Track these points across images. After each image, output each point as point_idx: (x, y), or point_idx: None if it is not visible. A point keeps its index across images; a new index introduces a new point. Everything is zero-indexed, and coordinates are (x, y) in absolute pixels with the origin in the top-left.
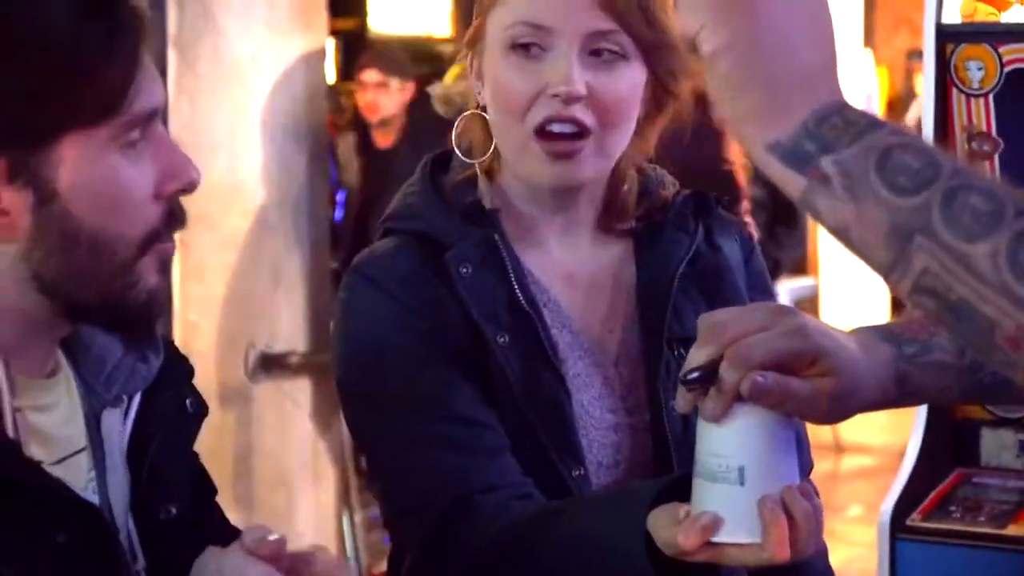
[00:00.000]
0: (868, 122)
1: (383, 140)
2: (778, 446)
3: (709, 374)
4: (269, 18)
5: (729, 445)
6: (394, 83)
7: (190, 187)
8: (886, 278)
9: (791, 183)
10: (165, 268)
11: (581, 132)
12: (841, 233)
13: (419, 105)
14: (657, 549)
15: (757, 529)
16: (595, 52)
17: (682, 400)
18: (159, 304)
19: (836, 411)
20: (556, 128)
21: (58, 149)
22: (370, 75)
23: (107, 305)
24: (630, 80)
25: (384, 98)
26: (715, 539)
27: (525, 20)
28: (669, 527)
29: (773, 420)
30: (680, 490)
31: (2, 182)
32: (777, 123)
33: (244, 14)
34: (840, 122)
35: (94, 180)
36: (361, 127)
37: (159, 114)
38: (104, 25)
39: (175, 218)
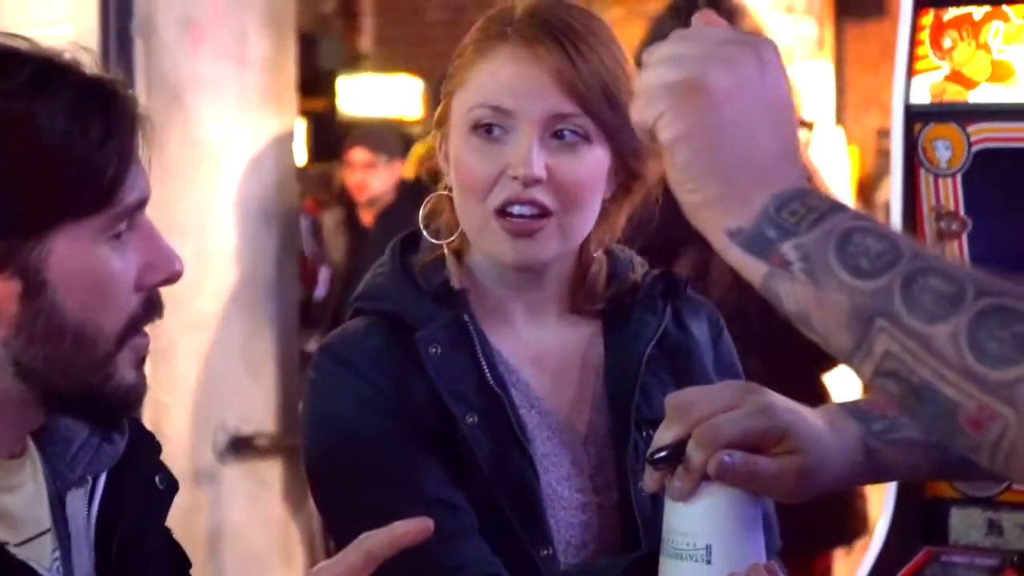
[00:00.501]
0: (829, 206)
1: (370, 218)
2: (745, 524)
3: (676, 453)
4: (239, 99)
5: (696, 524)
6: (381, 161)
7: (174, 278)
8: (848, 362)
9: (752, 269)
10: (141, 363)
11: (542, 214)
12: (803, 318)
13: (407, 184)
14: None
15: None
16: (556, 134)
17: (650, 480)
18: (136, 398)
19: (803, 488)
20: (516, 210)
21: (49, 240)
22: (358, 154)
23: (84, 396)
24: (592, 162)
25: (372, 177)
26: None
27: (486, 103)
28: None
29: (740, 499)
30: (648, 567)
31: None
32: (737, 210)
33: (214, 95)
34: (800, 207)
35: (83, 272)
36: (347, 204)
37: (145, 205)
38: (100, 120)
39: (153, 308)
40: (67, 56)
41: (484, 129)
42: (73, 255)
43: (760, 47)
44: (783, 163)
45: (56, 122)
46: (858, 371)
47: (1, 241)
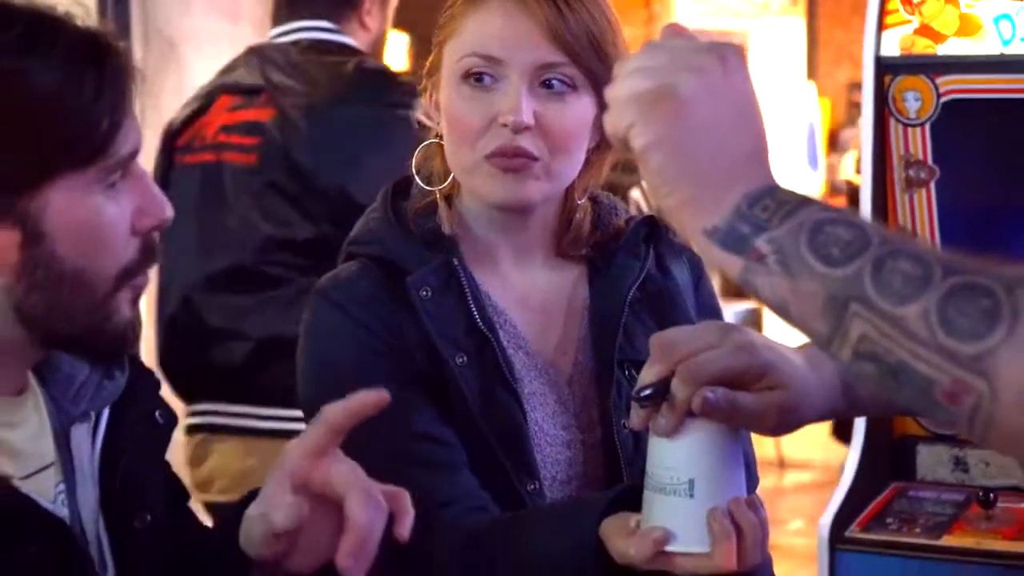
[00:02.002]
0: (799, 200)
1: None
2: (727, 460)
3: (661, 391)
4: (232, 53)
5: (680, 459)
6: None
7: (164, 223)
8: (826, 349)
9: (730, 265)
10: (136, 300)
11: (529, 160)
12: (780, 309)
13: None
14: (609, 557)
15: (706, 539)
16: (545, 83)
17: (635, 417)
18: (133, 334)
19: (784, 423)
20: (512, 153)
21: (46, 192)
22: None
23: (84, 337)
24: (578, 111)
25: None
26: (666, 548)
27: (477, 52)
28: (622, 537)
29: (723, 435)
30: (631, 500)
31: None
32: (712, 210)
33: (207, 49)
34: (772, 203)
35: (79, 221)
36: None
37: (138, 154)
38: (93, 74)
39: (149, 253)
40: (60, 10)
41: (475, 78)
42: (70, 205)
43: (725, 53)
44: (752, 163)
45: (50, 77)
46: (836, 356)
47: (1, 194)
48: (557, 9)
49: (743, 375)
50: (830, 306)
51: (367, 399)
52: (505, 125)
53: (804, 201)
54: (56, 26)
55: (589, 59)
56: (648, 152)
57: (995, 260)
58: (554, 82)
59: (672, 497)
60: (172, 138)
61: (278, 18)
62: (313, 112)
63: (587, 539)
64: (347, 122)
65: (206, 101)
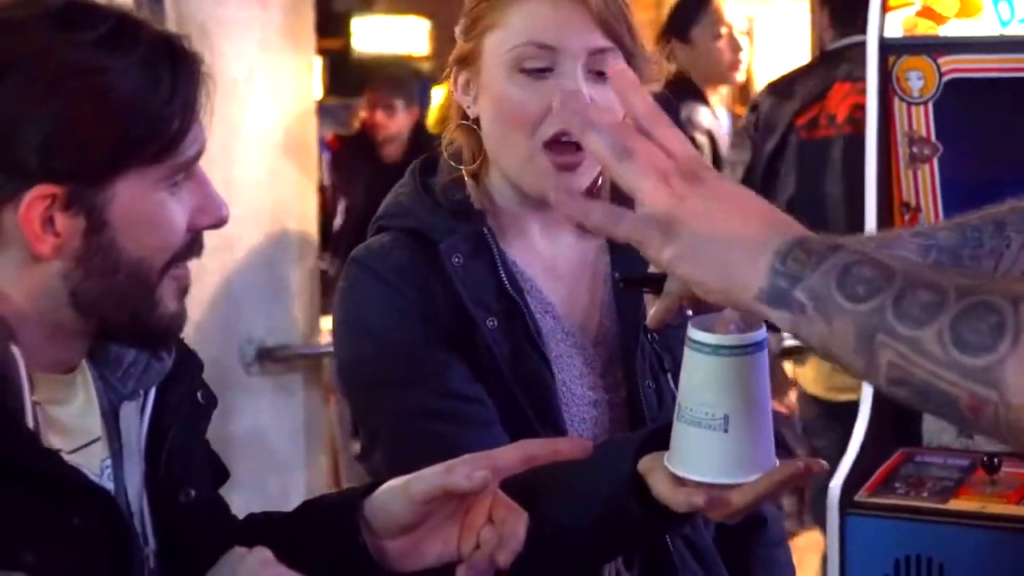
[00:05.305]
0: (828, 246)
1: (388, 155)
2: (760, 397)
3: (654, 276)
4: (262, 39)
5: (715, 394)
6: (400, 105)
7: (221, 222)
8: (866, 380)
9: (783, 322)
10: (183, 294)
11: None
12: (826, 353)
13: (422, 125)
14: (646, 491)
15: (739, 472)
16: (592, 70)
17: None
18: (178, 327)
19: None
20: (565, 139)
21: (115, 184)
22: (379, 97)
23: (132, 325)
24: None
25: (391, 119)
26: (699, 480)
27: (530, 41)
28: (667, 484)
29: (757, 372)
30: (658, 442)
31: (59, 208)
32: (753, 278)
33: (238, 36)
34: (802, 254)
35: (142, 214)
36: (366, 142)
37: (202, 156)
38: (168, 76)
39: (195, 246)
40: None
41: (530, 67)
42: (134, 199)
43: (700, 169)
44: (768, 228)
45: (129, 77)
46: (875, 386)
47: (72, 184)
48: None
49: None
50: (861, 339)
51: (574, 444)
52: None
53: (833, 247)
54: (138, 28)
55: (627, 40)
56: (675, 263)
57: (1013, 278)
58: (603, 68)
59: (707, 431)
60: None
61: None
62: None
63: (623, 473)
64: None
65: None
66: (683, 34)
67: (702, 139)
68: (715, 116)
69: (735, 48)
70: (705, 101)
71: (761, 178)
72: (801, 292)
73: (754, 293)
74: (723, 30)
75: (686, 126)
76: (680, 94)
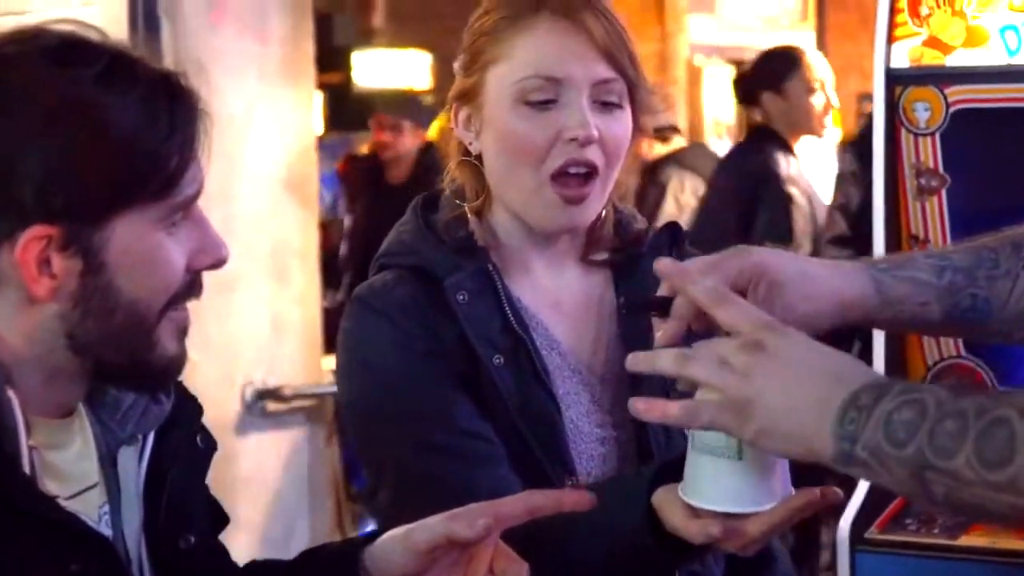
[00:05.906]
0: (873, 397)
1: (394, 177)
2: None
3: (660, 302)
4: (261, 74)
5: None
6: (407, 126)
7: (220, 263)
8: (939, 511)
9: (859, 476)
10: (182, 336)
11: (591, 173)
12: (901, 494)
13: (429, 147)
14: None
15: (755, 500)
16: (596, 101)
17: (661, 333)
18: (177, 369)
19: (789, 321)
20: (572, 170)
21: (112, 224)
22: (385, 119)
23: (130, 368)
24: (624, 123)
25: (397, 139)
26: (714, 509)
27: (536, 74)
28: (682, 517)
29: None
30: (669, 476)
31: (56, 249)
32: (823, 449)
33: (237, 71)
34: (854, 412)
35: (140, 255)
36: (374, 164)
37: (200, 195)
38: (167, 114)
39: (194, 286)
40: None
41: (536, 99)
42: (132, 240)
43: (765, 333)
44: (829, 385)
45: (127, 115)
46: (948, 515)
47: (69, 224)
48: (603, 27)
49: (737, 277)
50: (915, 480)
51: (580, 497)
52: (574, 139)
53: (879, 396)
54: (135, 64)
55: (629, 71)
56: (755, 442)
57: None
58: (607, 99)
59: (722, 459)
60: None
61: None
62: None
63: (637, 508)
64: None
65: None
66: (776, 86)
67: (794, 190)
68: (799, 164)
69: (827, 102)
70: (791, 150)
71: None
72: (862, 450)
73: (830, 458)
74: (816, 84)
75: (783, 180)
76: (764, 143)
